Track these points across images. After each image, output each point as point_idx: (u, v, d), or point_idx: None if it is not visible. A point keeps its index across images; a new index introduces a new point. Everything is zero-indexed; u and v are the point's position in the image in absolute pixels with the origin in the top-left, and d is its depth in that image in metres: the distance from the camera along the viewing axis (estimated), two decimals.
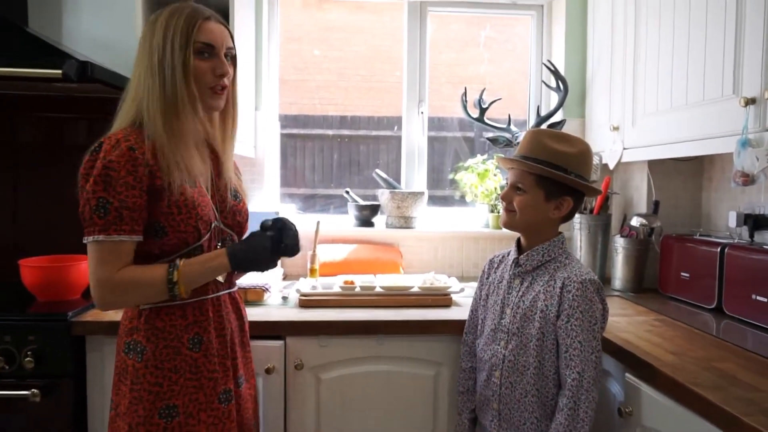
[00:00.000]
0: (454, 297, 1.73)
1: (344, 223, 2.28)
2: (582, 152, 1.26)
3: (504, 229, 2.24)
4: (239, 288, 1.64)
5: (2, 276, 1.86)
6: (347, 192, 2.26)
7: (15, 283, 1.69)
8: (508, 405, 1.28)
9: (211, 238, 1.17)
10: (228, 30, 1.19)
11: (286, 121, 2.45)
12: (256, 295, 1.67)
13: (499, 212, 2.25)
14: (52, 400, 1.46)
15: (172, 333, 1.13)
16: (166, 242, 1.11)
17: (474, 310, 1.45)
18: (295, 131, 2.50)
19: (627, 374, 1.24)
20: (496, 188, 2.26)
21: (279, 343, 1.51)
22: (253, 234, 1.18)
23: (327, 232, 2.15)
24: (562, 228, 1.34)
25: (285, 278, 2.06)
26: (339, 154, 2.53)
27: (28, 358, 1.44)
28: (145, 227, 1.10)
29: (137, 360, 1.11)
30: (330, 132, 2.52)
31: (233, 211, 1.23)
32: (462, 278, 2.11)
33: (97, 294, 1.07)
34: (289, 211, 2.28)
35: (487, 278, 1.43)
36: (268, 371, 1.48)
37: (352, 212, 2.24)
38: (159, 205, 1.09)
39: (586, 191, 1.28)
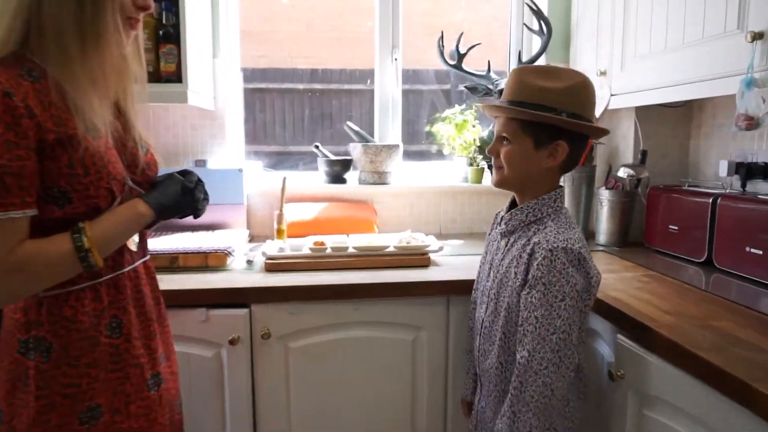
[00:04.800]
0: (432, 256, 1.62)
1: (314, 180, 2.14)
2: (573, 86, 1.08)
3: (483, 184, 2.15)
4: (201, 251, 1.52)
5: None
6: (317, 147, 2.10)
7: None
8: (483, 373, 1.20)
9: (123, 200, 0.98)
10: None
11: (254, 75, 2.27)
12: (218, 260, 1.53)
13: (477, 165, 2.13)
14: None
15: (86, 321, 0.94)
16: (69, 211, 0.90)
17: (480, 267, 1.33)
18: (263, 86, 2.34)
19: (619, 335, 1.16)
20: (474, 140, 2.13)
21: (244, 311, 1.38)
22: (158, 180, 1.08)
23: (296, 190, 2.01)
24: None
25: (251, 240, 1.93)
26: (310, 109, 2.38)
27: None
28: (41, 194, 0.88)
29: (42, 360, 0.91)
30: (300, 86, 2.36)
31: (144, 166, 1.05)
32: (440, 236, 2.01)
33: None
34: (256, 168, 2.12)
35: (489, 233, 1.31)
36: (232, 342, 1.36)
37: (322, 168, 2.09)
38: (56, 165, 0.87)
39: (586, 132, 1.12)
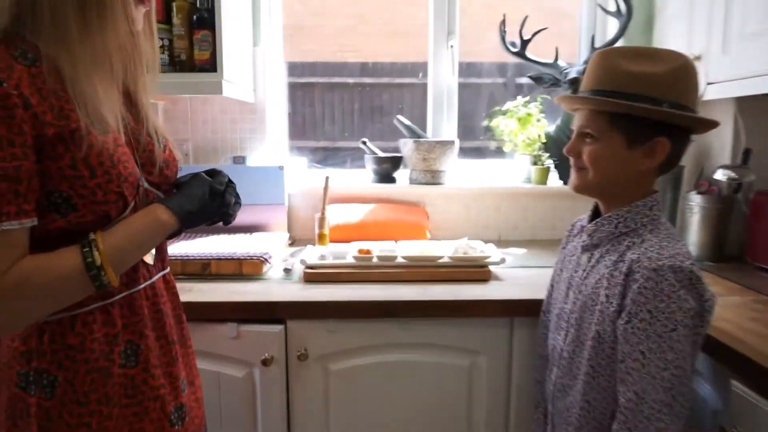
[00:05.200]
0: (492, 269, 1.42)
1: (361, 178, 1.97)
2: (676, 70, 0.89)
3: (549, 185, 1.92)
4: (235, 258, 1.38)
5: None
6: (364, 143, 1.93)
7: None
8: (558, 412, 1.02)
9: (137, 205, 0.83)
10: None
11: (303, 69, 2.15)
12: (253, 268, 1.39)
13: (542, 164, 1.90)
14: None
15: (96, 350, 0.79)
16: (74, 220, 0.76)
17: (551, 285, 1.14)
18: (312, 80, 2.23)
19: (734, 382, 0.93)
20: (539, 136, 1.90)
21: (278, 328, 1.23)
22: (182, 181, 0.93)
23: (341, 190, 1.84)
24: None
25: (292, 243, 1.77)
26: (360, 103, 2.25)
27: None
28: (39, 201, 0.74)
29: (45, 396, 0.77)
30: (350, 80, 2.26)
31: (162, 164, 0.90)
32: (499, 242, 1.79)
33: None
34: (299, 165, 1.97)
35: (564, 247, 1.11)
36: (265, 362, 1.21)
37: (370, 166, 1.91)
38: (57, 165, 0.73)
39: (693, 124, 0.91)
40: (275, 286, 1.32)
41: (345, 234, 1.69)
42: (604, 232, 0.96)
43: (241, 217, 1.73)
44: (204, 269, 1.38)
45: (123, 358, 0.83)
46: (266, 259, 1.41)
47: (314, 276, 1.36)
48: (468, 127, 2.15)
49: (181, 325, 0.97)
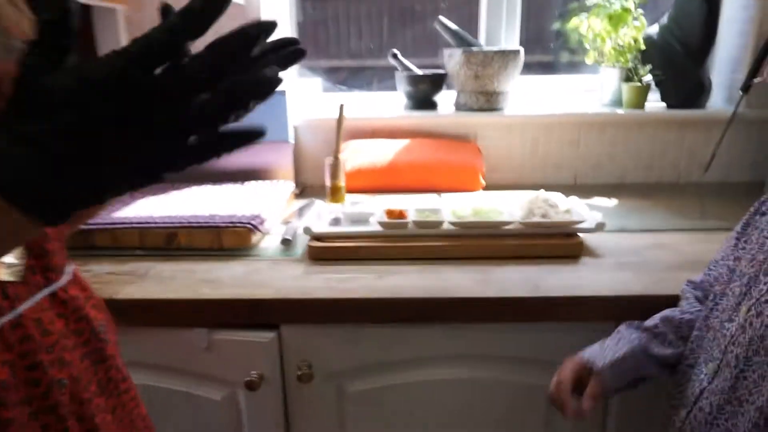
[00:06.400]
0: (583, 237, 0.97)
1: (390, 105, 1.50)
2: None
3: (648, 110, 1.41)
4: (212, 225, 0.97)
5: None
6: (395, 55, 1.44)
7: None
8: None
9: None
10: None
11: None
12: (237, 239, 0.98)
13: (639, 80, 1.39)
14: None
15: None
16: None
17: (716, 261, 0.69)
18: None
19: None
20: (637, 41, 1.37)
21: (269, 336, 0.83)
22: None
23: (363, 121, 1.39)
24: None
25: (301, 193, 1.35)
26: (389, 15, 1.87)
27: None
28: None
29: None
30: None
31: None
32: (574, 188, 1.33)
33: None
34: (312, 89, 1.50)
35: (763, 215, 0.65)
36: (251, 386, 0.82)
37: (402, 88, 1.44)
38: None
39: None
40: (266, 270, 0.91)
41: (368, 181, 1.25)
42: None
43: (229, 160, 1.32)
44: (170, 241, 0.98)
45: None
46: (255, 226, 0.99)
47: (322, 252, 0.94)
48: (533, 36, 1.64)
49: (105, 363, 0.57)
